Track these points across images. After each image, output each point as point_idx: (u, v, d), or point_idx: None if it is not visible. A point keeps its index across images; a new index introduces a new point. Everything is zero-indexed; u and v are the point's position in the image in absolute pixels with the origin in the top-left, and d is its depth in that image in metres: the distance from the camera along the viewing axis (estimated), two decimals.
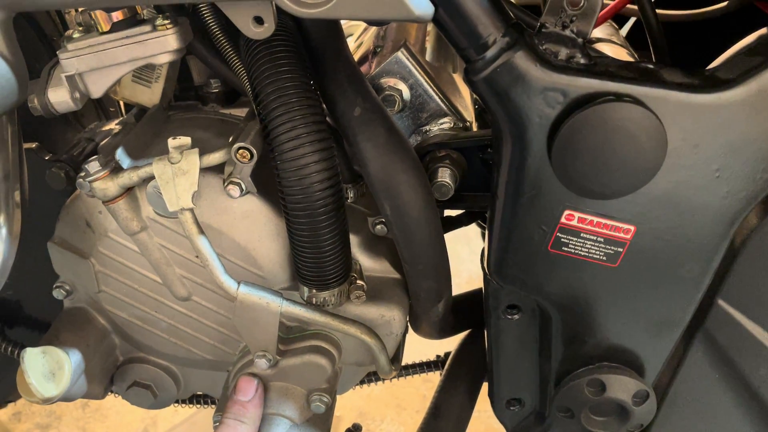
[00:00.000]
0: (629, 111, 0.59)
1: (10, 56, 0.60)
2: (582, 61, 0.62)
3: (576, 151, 0.61)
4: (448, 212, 1.06)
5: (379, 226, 0.83)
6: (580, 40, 0.61)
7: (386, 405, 1.87)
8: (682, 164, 0.62)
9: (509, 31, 0.60)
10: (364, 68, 0.87)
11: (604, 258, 0.68)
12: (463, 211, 1.05)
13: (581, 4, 0.60)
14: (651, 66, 0.63)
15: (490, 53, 0.60)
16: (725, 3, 0.97)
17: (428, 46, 1.01)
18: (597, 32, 1.02)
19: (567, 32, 0.61)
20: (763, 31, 0.67)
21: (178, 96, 0.93)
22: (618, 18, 1.17)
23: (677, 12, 1.00)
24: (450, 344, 1.07)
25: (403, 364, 1.08)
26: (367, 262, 0.85)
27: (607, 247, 0.68)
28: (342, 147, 0.80)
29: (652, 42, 0.83)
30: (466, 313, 0.97)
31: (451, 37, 0.61)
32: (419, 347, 1.19)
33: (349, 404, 1.85)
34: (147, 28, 0.71)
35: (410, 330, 0.93)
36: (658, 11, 1.00)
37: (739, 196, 0.64)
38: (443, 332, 0.92)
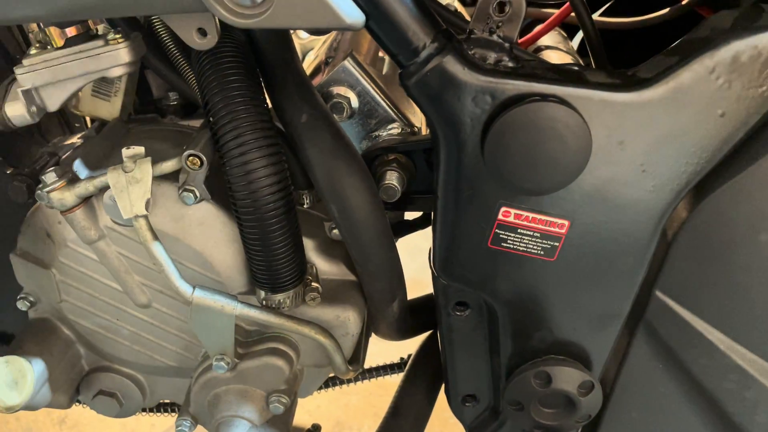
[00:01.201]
0: (554, 110, 0.62)
1: None
2: (509, 64, 0.65)
3: (506, 149, 0.64)
4: (408, 216, 1.09)
5: (335, 230, 0.86)
6: (506, 44, 0.64)
7: (364, 414, 1.88)
8: (608, 160, 0.65)
9: (438, 37, 0.63)
10: (317, 79, 0.90)
11: (542, 253, 0.71)
12: (421, 213, 1.07)
13: (506, 10, 0.63)
14: (575, 68, 0.66)
15: (420, 58, 0.63)
16: (667, 10, 1.01)
17: (385, 56, 1.05)
18: (545, 40, 1.06)
19: (494, 37, 0.64)
20: (686, 36, 0.71)
21: (137, 109, 0.96)
22: (571, 28, 1.21)
23: (620, 20, 1.03)
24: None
25: (367, 366, 1.10)
26: (323, 265, 0.88)
27: (544, 242, 0.70)
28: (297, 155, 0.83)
29: (591, 49, 0.87)
30: (426, 314, 0.99)
31: (384, 43, 0.64)
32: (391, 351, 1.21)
33: (327, 414, 1.86)
34: (100, 42, 0.74)
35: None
36: (603, 19, 1.05)
37: (666, 190, 0.67)
38: (402, 333, 0.94)
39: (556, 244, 0.70)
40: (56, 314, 0.92)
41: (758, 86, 0.62)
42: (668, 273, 0.73)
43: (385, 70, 1.03)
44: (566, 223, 0.69)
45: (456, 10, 1.02)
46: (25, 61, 0.75)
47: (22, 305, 0.91)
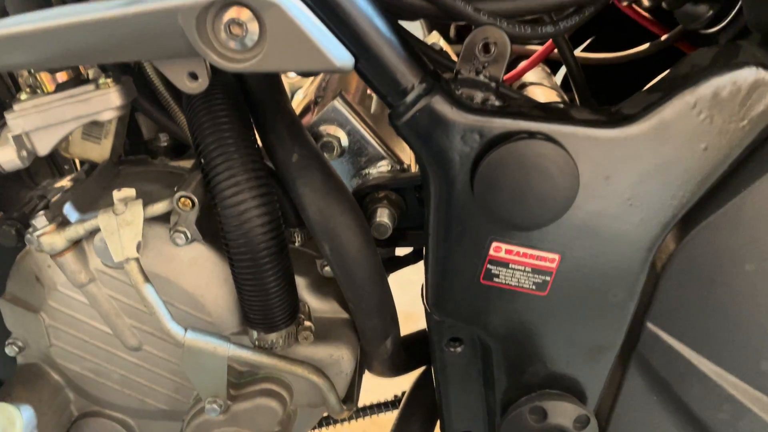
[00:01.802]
0: (542, 147, 0.63)
1: None
2: (496, 103, 0.66)
3: (496, 186, 0.65)
4: (399, 251, 1.09)
5: (326, 268, 0.86)
6: (493, 84, 0.66)
7: None
8: (595, 195, 0.66)
9: (426, 78, 0.65)
10: (306, 118, 0.91)
11: (534, 287, 0.72)
12: (412, 249, 1.08)
13: (492, 51, 0.65)
14: (561, 105, 0.68)
15: (409, 99, 0.64)
16: (647, 46, 1.04)
17: (373, 95, 1.06)
18: (530, 76, 1.08)
19: (481, 77, 0.66)
20: (666, 72, 0.73)
21: (128, 151, 0.96)
22: (554, 63, 1.23)
23: (602, 55, 1.06)
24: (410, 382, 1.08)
25: (361, 404, 1.09)
26: (315, 303, 0.87)
27: (535, 276, 0.71)
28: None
29: (574, 84, 0.89)
30: (419, 350, 0.99)
31: (373, 85, 0.66)
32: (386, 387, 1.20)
33: None
34: (90, 87, 0.75)
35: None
36: (585, 55, 1.07)
37: (653, 223, 0.68)
38: (395, 370, 0.93)
39: (548, 278, 0.71)
40: (45, 359, 0.90)
41: (739, 120, 0.64)
42: (658, 304, 0.73)
43: (373, 108, 1.04)
44: (557, 257, 0.70)
45: (441, 48, 1.04)
46: (15, 107, 0.75)
47: (10, 351, 0.90)
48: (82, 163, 1.10)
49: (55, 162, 1.08)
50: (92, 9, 0.57)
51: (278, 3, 0.58)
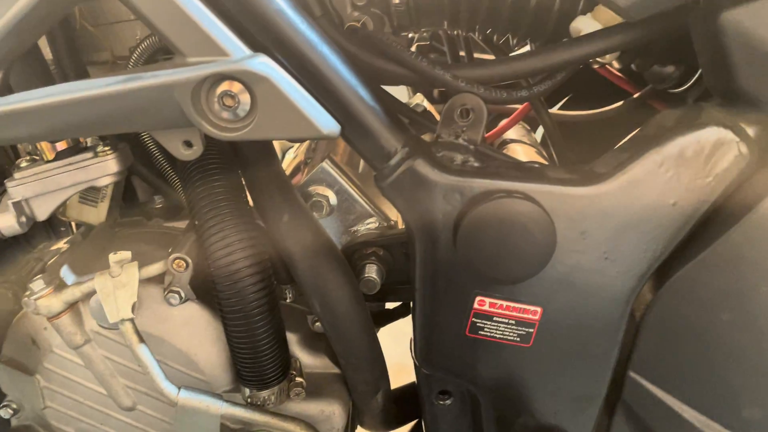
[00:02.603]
0: (519, 205, 0.67)
1: None
2: (475, 164, 0.70)
3: (477, 242, 0.68)
4: (389, 305, 1.11)
5: (317, 324, 0.88)
6: (471, 146, 0.70)
7: None
8: (572, 250, 0.69)
9: (408, 142, 0.68)
10: (297, 178, 0.95)
11: (518, 339, 0.74)
12: (400, 303, 1.10)
13: (469, 116, 0.69)
14: (537, 165, 0.72)
15: (393, 162, 0.68)
16: (621, 103, 1.09)
17: None
18: (510, 133, 1.13)
19: (460, 140, 0.70)
20: (635, 132, 0.77)
21: (123, 213, 0.99)
22: (534, 120, 1.28)
23: (577, 113, 1.11)
24: None
25: None
26: (306, 359, 0.89)
27: (519, 328, 0.73)
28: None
29: (551, 142, 0.93)
30: (410, 403, 1.00)
31: (359, 149, 0.69)
32: None
33: None
34: (89, 154, 0.78)
35: None
36: (561, 112, 1.12)
37: (630, 275, 0.71)
38: (387, 424, 0.94)
39: (531, 330, 0.73)
40: (40, 421, 0.91)
41: (705, 177, 0.67)
42: (640, 354, 0.75)
43: (361, 167, 1.08)
44: (539, 309, 0.72)
45: (425, 109, 1.09)
46: (16, 174, 0.78)
47: (4, 413, 0.90)
48: (78, 225, 1.12)
49: (51, 225, 1.11)
50: (94, 85, 0.61)
51: (268, 76, 0.62)
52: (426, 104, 1.12)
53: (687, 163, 0.67)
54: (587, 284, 0.71)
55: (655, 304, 0.73)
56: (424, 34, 1.15)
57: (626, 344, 0.75)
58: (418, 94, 1.16)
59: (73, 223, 1.15)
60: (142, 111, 0.64)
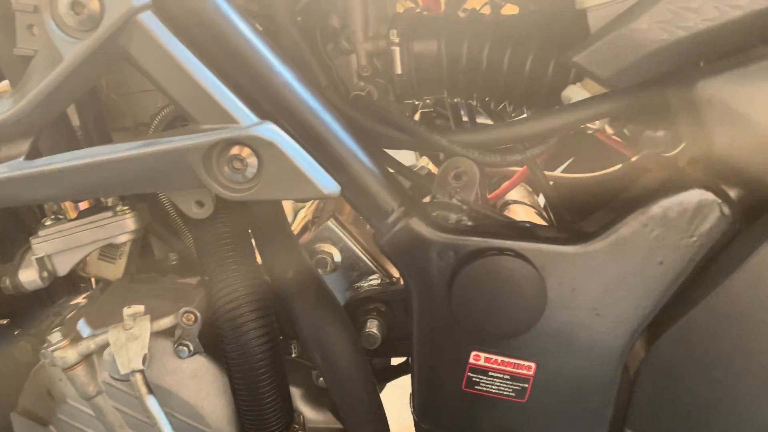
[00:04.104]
0: (510, 263, 0.70)
1: None
2: (468, 223, 0.74)
3: (471, 298, 0.71)
4: (394, 361, 1.13)
5: (322, 379, 0.90)
6: (465, 206, 0.74)
7: None
8: (563, 306, 0.72)
9: (405, 202, 0.73)
10: (305, 236, 0.99)
11: (513, 394, 0.76)
12: (404, 360, 1.11)
13: (463, 179, 0.73)
14: (528, 224, 0.75)
15: (390, 220, 0.72)
16: (620, 167, 1.12)
17: None
18: (513, 194, 1.17)
19: (453, 201, 0.74)
20: (622, 195, 0.81)
21: (140, 269, 1.03)
22: None
23: (577, 176, 1.15)
24: None
25: None
26: (310, 413, 0.91)
27: (514, 383, 0.75)
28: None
29: (548, 202, 0.96)
30: None
31: (358, 209, 0.74)
32: None
33: None
34: (109, 213, 0.83)
35: None
36: (562, 175, 1.16)
37: (620, 331, 0.73)
38: None
39: (526, 385, 0.75)
40: None
41: (689, 236, 0.70)
42: (635, 410, 0.76)
43: (367, 226, 1.12)
44: (533, 365, 0.74)
45: (429, 171, 1.14)
46: (41, 232, 0.84)
47: None
48: (97, 281, 1.17)
49: (72, 280, 1.16)
50: (115, 149, 0.67)
51: (274, 141, 0.67)
52: (431, 166, 1.17)
53: (671, 224, 0.70)
54: (579, 340, 0.73)
55: (649, 360, 0.74)
56: (428, 101, 1.21)
57: (622, 400, 0.77)
58: (424, 157, 1.22)
59: (92, 279, 1.20)
60: (159, 173, 0.69)
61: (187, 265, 1.02)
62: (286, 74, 0.69)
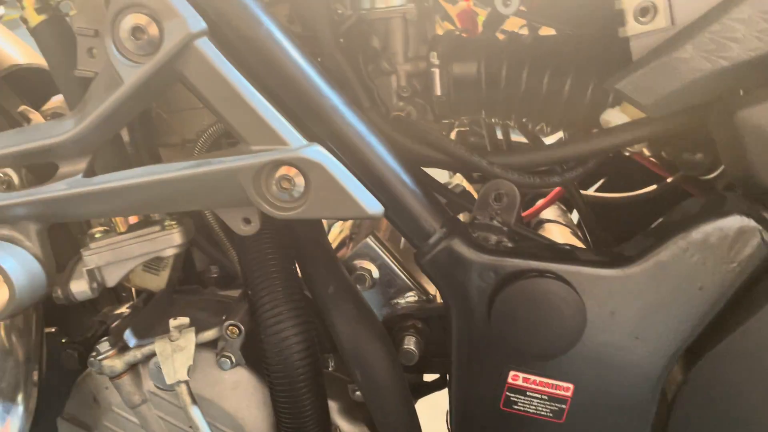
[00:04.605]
0: (551, 285, 0.71)
1: (43, 258, 0.74)
2: (509, 244, 0.75)
3: (510, 319, 0.72)
4: (427, 377, 1.14)
5: (358, 393, 0.92)
6: (505, 228, 0.75)
7: None
8: (602, 329, 0.73)
9: (446, 223, 0.74)
10: (342, 252, 1.01)
11: (551, 414, 0.76)
12: (437, 377, 1.13)
13: (503, 200, 0.75)
14: (568, 247, 0.76)
15: (431, 241, 0.74)
16: (655, 187, 1.13)
17: None
18: (547, 213, 1.18)
19: (494, 222, 0.75)
20: (662, 219, 0.81)
21: (182, 281, 1.06)
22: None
23: (612, 195, 1.15)
24: None
25: None
26: (346, 427, 0.93)
27: (552, 404, 0.76)
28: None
29: (584, 223, 0.97)
30: None
31: (401, 229, 0.76)
32: None
33: None
34: (157, 228, 0.86)
35: None
36: (597, 194, 1.17)
37: (659, 355, 0.73)
38: None
39: (563, 406, 0.76)
40: None
41: (729, 262, 0.71)
42: None
43: (402, 243, 1.14)
44: (571, 386, 0.75)
45: (464, 189, 1.15)
46: (92, 244, 0.87)
47: None
48: (138, 291, 1.21)
49: (115, 290, 1.19)
50: (170, 169, 0.70)
51: (321, 163, 0.69)
52: (465, 184, 1.18)
53: (712, 249, 0.70)
54: (617, 362, 0.74)
55: (687, 385, 0.75)
56: (464, 120, 1.23)
57: (659, 424, 0.77)
58: (458, 174, 1.23)
59: (133, 289, 1.23)
60: (211, 192, 0.72)
61: (227, 278, 1.04)
62: (333, 98, 0.71)
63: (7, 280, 0.69)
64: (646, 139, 0.77)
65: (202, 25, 0.67)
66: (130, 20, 0.66)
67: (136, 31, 0.67)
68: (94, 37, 0.75)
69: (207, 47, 0.67)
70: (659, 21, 0.69)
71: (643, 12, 0.69)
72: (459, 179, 1.18)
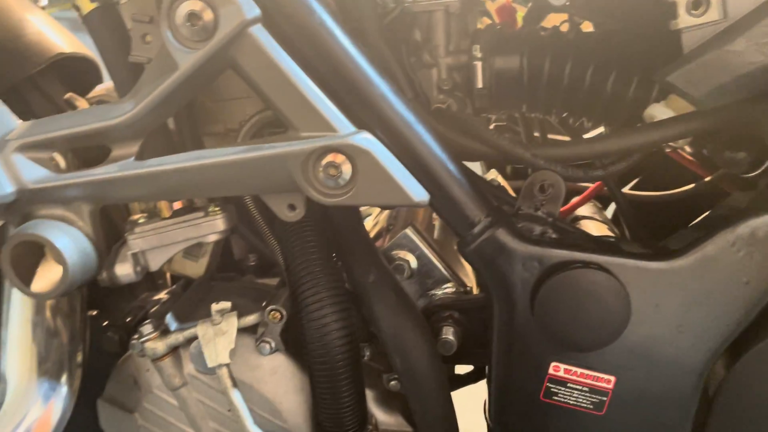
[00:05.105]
0: (595, 276, 0.71)
1: (95, 238, 0.76)
2: (553, 235, 0.75)
3: (554, 310, 0.72)
4: (458, 370, 1.14)
5: (393, 382, 0.93)
6: (550, 219, 0.75)
7: None
8: (646, 321, 0.73)
9: (491, 212, 0.75)
10: (378, 243, 1.02)
11: (591, 407, 0.77)
12: (472, 369, 1.13)
13: (548, 191, 0.75)
14: (612, 239, 0.76)
15: (476, 230, 0.74)
16: (692, 186, 1.12)
17: (436, 224, 1.17)
18: (582, 210, 1.18)
19: (539, 213, 0.76)
20: (708, 212, 0.81)
21: (219, 268, 1.08)
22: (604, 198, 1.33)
23: (649, 194, 1.15)
24: None
25: None
26: (382, 416, 0.93)
27: (593, 396, 0.76)
28: (360, 311, 0.92)
29: (624, 220, 0.97)
30: None
31: (445, 218, 0.76)
32: None
33: None
34: (200, 213, 0.87)
35: None
36: (634, 192, 1.16)
37: (703, 349, 0.73)
38: None
39: (604, 398, 0.76)
40: None
41: None
42: (713, 429, 0.76)
43: (436, 234, 1.15)
44: (612, 378, 0.75)
45: (499, 184, 1.15)
46: (137, 229, 0.88)
47: None
48: (172, 277, 1.22)
49: (151, 276, 1.21)
50: (222, 153, 0.71)
51: (369, 149, 0.70)
52: (500, 179, 1.19)
53: (759, 244, 0.70)
54: (660, 355, 0.74)
55: (729, 380, 0.75)
56: (502, 115, 1.23)
57: (699, 419, 0.77)
58: (493, 170, 1.23)
59: (168, 276, 1.25)
60: (259, 177, 0.73)
61: (265, 267, 1.05)
62: (382, 86, 0.72)
63: (61, 259, 0.70)
64: (693, 134, 0.77)
65: (257, 11, 0.68)
66: (186, 6, 0.67)
67: (192, 17, 0.68)
68: (149, 24, 0.77)
69: (261, 34, 0.68)
70: (712, 14, 0.68)
71: (696, 5, 0.69)
72: (494, 175, 1.19)
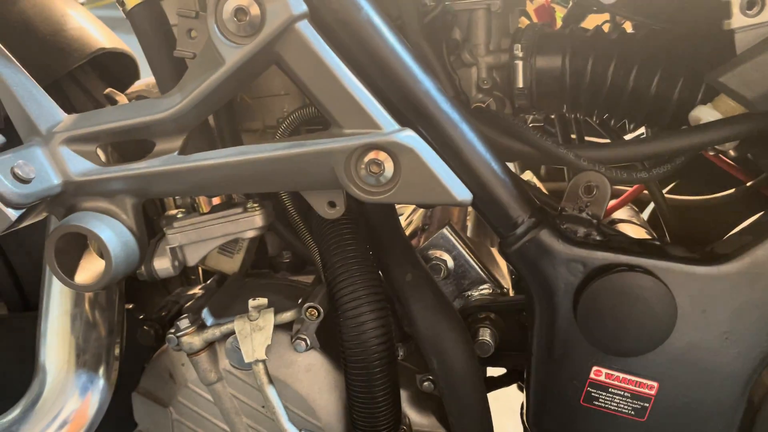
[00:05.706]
0: (641, 279, 0.70)
1: (137, 231, 0.76)
2: (598, 237, 0.74)
3: (597, 313, 0.71)
4: (490, 372, 1.13)
5: (426, 383, 0.92)
6: (594, 221, 0.74)
7: None
8: (692, 327, 0.71)
9: (535, 213, 0.74)
10: (413, 242, 1.01)
11: (633, 413, 0.75)
12: (504, 372, 1.12)
13: (593, 192, 0.74)
14: (658, 242, 0.75)
15: (519, 231, 0.73)
16: (733, 191, 1.10)
17: (469, 224, 1.16)
18: (620, 214, 1.16)
19: (583, 215, 0.75)
20: (756, 216, 0.79)
21: (254, 265, 1.08)
22: (640, 202, 1.31)
23: (691, 197, 1.13)
24: None
25: None
26: (415, 417, 0.93)
27: (634, 402, 0.75)
28: (395, 310, 0.92)
29: (665, 223, 0.96)
30: None
31: (487, 218, 0.75)
32: None
33: None
34: (239, 209, 0.87)
35: None
36: (676, 197, 1.14)
37: (750, 357, 0.72)
38: None
39: (646, 404, 0.74)
40: None
41: None
42: None
43: (469, 233, 1.14)
44: (655, 384, 0.74)
45: (535, 185, 1.14)
46: (174, 223, 0.89)
47: None
48: (205, 273, 1.23)
49: (184, 272, 1.22)
50: (265, 149, 0.71)
51: (413, 147, 0.69)
52: (535, 181, 1.18)
53: None
54: (705, 363, 0.72)
55: None
56: (538, 115, 1.22)
57: (743, 428, 0.75)
58: (528, 171, 1.22)
59: (200, 271, 1.26)
60: (300, 173, 0.72)
61: (299, 264, 1.05)
62: (427, 84, 0.71)
63: (106, 252, 0.71)
64: (742, 137, 0.75)
65: (304, 7, 0.67)
66: (234, 1, 0.67)
67: (239, 12, 0.68)
68: (194, 19, 0.77)
69: (307, 30, 0.68)
70: (766, 14, 0.67)
71: (750, 5, 0.67)
72: (529, 176, 1.18)
